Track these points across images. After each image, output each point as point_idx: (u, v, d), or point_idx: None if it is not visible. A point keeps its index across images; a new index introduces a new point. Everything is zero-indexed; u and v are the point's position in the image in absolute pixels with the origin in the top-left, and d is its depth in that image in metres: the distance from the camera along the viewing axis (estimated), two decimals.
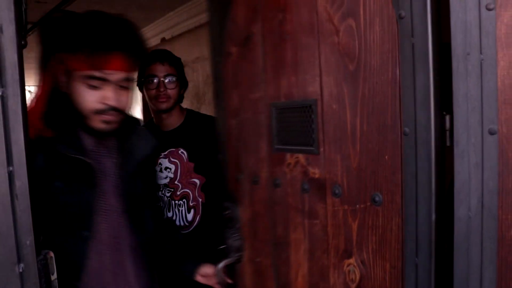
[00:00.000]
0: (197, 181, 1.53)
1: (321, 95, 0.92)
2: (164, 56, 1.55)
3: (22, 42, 0.78)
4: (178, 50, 3.31)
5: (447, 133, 0.73)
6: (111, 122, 1.11)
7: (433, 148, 0.73)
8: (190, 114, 1.63)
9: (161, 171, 1.53)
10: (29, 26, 3.10)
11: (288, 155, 1.02)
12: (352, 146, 0.87)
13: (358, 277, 0.89)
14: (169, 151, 1.53)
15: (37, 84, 1.13)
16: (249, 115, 1.12)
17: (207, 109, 3.31)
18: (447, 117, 0.72)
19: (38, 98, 1.12)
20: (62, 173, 1.08)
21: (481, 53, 0.66)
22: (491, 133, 0.67)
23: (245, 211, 1.17)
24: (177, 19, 4.10)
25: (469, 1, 0.66)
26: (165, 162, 1.53)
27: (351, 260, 0.90)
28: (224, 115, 1.20)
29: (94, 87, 1.07)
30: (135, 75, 1.47)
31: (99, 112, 1.08)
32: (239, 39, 1.12)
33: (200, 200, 1.54)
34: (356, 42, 0.84)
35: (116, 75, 1.08)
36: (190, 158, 1.52)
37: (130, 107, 1.20)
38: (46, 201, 1.05)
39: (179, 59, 1.64)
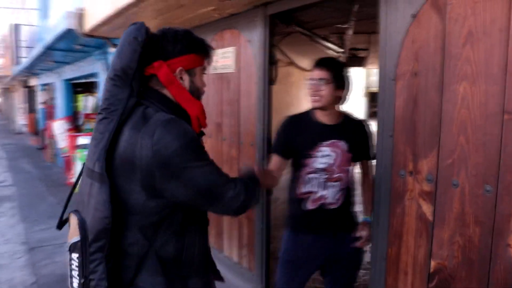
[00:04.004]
0: (349, 169, 1.86)
1: None
2: (322, 62, 1.83)
3: None
4: None
5: None
6: None
7: None
8: (347, 115, 1.92)
9: (322, 157, 1.83)
10: None
11: None
12: None
13: None
14: (332, 141, 1.82)
15: None
16: None
17: None
18: None
19: None
20: None
21: (390, 100, 1.51)
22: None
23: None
24: None
25: (387, 76, 1.53)
26: (326, 150, 1.83)
27: None
28: None
29: None
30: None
31: None
32: None
33: (348, 184, 1.88)
34: None
35: None
36: (349, 150, 1.82)
37: None
38: None
39: (340, 64, 1.87)
